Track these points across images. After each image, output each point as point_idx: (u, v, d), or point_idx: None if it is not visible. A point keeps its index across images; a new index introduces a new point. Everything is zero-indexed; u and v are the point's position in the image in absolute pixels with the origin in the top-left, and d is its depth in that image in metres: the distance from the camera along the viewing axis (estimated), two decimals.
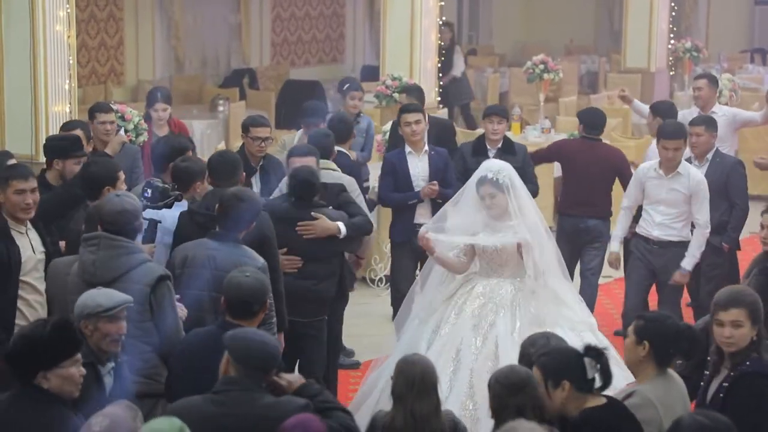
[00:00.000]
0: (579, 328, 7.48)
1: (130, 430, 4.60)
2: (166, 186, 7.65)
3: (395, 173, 9.42)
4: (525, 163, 9.57)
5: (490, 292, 7.54)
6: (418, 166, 9.43)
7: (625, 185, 9.63)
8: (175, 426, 4.37)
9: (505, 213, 7.55)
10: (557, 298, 7.57)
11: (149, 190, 7.59)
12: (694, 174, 8.86)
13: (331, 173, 8.47)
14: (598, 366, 5.09)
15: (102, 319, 5.53)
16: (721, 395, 5.45)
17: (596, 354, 5.11)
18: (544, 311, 7.44)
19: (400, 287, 9.24)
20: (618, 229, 9.22)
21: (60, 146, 7.97)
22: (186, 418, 4.52)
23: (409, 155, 9.45)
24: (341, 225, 7.67)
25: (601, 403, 5.09)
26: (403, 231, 9.41)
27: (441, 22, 14.48)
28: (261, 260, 6.62)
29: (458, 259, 7.73)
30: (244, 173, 7.68)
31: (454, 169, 9.49)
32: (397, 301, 9.45)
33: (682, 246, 8.86)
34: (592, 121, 10.08)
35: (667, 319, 5.51)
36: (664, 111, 10.28)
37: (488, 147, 9.78)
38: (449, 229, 7.77)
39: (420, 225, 9.15)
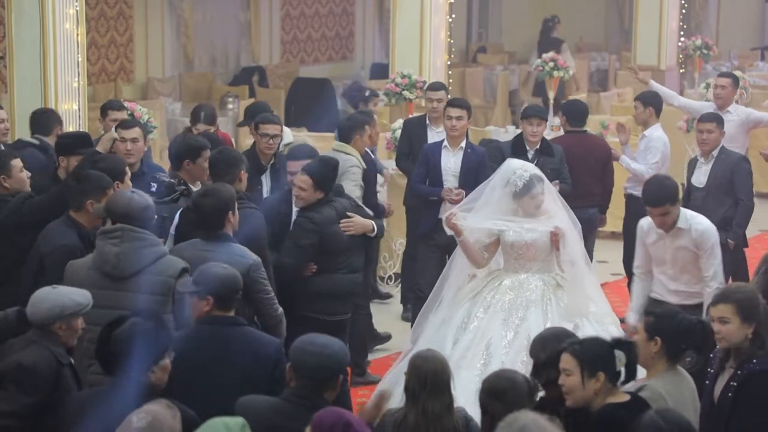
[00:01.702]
0: (606, 321, 7.54)
1: (170, 427, 4.62)
2: (172, 181, 7.68)
3: (428, 164, 9.48)
4: (561, 164, 9.71)
5: (519, 287, 7.58)
6: (451, 161, 9.47)
7: (608, 176, 10.12)
8: (239, 424, 4.35)
9: (540, 208, 7.69)
10: (584, 292, 7.62)
11: (155, 185, 7.64)
12: (698, 223, 7.52)
13: (341, 155, 8.70)
14: (626, 360, 5.07)
15: (74, 317, 5.55)
16: (730, 394, 5.43)
17: (626, 347, 5.10)
18: (574, 304, 7.48)
19: (419, 280, 9.34)
20: (634, 298, 7.86)
21: (64, 143, 8.00)
22: (249, 418, 4.51)
23: (444, 149, 9.52)
24: (374, 224, 7.87)
25: (625, 400, 5.06)
26: (428, 224, 9.48)
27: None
28: (254, 257, 6.61)
29: (480, 252, 7.76)
30: (245, 172, 7.68)
31: (489, 169, 9.48)
32: (411, 293, 9.48)
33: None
34: (576, 112, 10.30)
35: (677, 314, 5.51)
36: (651, 100, 10.39)
37: (527, 148, 9.82)
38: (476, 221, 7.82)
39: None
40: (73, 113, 10.13)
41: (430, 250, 9.38)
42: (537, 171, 7.80)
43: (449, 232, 7.95)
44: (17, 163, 7.45)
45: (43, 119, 9.27)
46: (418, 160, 9.67)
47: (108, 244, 6.16)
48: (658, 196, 7.41)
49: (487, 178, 9.26)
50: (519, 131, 10.28)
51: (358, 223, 7.74)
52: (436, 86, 10.66)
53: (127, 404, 4.78)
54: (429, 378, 5.19)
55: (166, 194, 7.53)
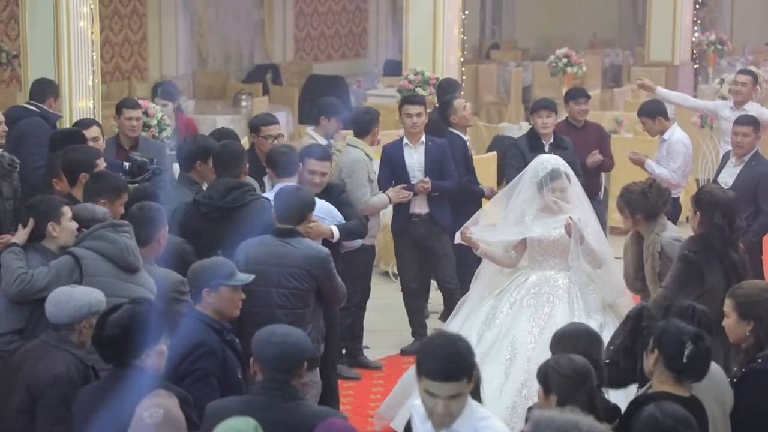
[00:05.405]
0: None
1: (180, 415, 4.65)
2: (145, 160, 7.72)
3: (392, 164, 9.47)
4: (574, 156, 9.66)
5: (545, 283, 7.56)
6: (414, 157, 9.46)
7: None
8: (251, 425, 4.32)
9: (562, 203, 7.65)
10: (609, 289, 7.61)
11: (128, 164, 7.68)
12: None
13: (351, 150, 8.90)
14: (691, 351, 4.93)
15: (96, 315, 5.47)
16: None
17: (696, 338, 4.98)
18: (601, 302, 7.49)
19: (403, 277, 9.58)
20: None
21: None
22: (223, 419, 4.45)
23: (406, 146, 9.50)
24: (334, 228, 7.73)
25: (686, 396, 4.94)
26: (400, 220, 9.52)
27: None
28: (325, 250, 6.82)
29: (507, 254, 7.76)
30: (248, 168, 7.72)
31: (451, 159, 9.53)
32: (403, 289, 9.64)
33: None
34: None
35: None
36: (654, 109, 10.21)
37: (543, 141, 9.88)
38: (499, 226, 7.80)
39: (415, 215, 9.37)
40: (88, 111, 10.15)
41: (406, 246, 9.50)
42: (566, 167, 7.73)
43: (458, 240, 7.89)
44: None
45: (41, 88, 9.37)
46: (381, 162, 9.57)
47: (123, 237, 6.15)
48: (455, 368, 4.67)
49: (451, 168, 9.39)
50: (530, 126, 10.25)
51: (315, 231, 7.51)
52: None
53: (131, 393, 4.77)
54: None
55: (138, 174, 7.59)
